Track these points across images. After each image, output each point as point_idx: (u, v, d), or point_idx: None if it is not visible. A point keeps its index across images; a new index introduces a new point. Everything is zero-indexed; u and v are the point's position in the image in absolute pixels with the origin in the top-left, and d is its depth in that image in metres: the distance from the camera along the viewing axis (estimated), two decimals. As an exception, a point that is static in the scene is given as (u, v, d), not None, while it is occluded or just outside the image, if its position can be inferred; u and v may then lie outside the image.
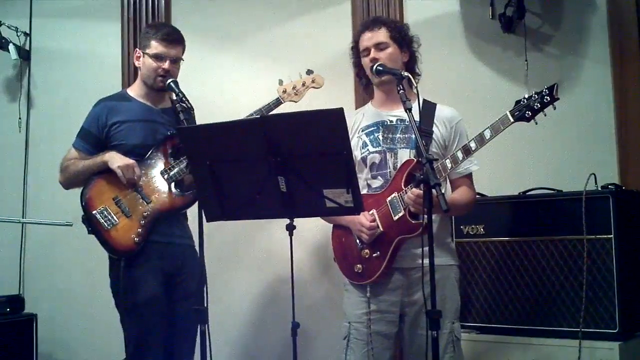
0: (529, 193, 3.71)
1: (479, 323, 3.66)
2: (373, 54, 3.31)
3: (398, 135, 3.31)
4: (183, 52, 3.70)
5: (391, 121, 3.35)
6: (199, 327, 2.90)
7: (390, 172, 3.28)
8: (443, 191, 2.76)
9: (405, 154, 3.27)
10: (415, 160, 3.17)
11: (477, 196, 3.66)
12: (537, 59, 4.33)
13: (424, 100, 3.12)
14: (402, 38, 3.38)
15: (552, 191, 3.66)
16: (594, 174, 3.45)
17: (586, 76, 4.26)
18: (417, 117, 2.95)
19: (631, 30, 4.17)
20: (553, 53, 4.34)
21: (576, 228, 3.37)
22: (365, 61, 3.37)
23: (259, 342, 4.69)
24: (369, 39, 3.36)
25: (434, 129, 3.28)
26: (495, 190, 3.89)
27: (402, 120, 3.33)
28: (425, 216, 3.04)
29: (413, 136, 3.25)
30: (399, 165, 3.26)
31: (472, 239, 3.73)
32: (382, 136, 3.33)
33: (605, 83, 4.21)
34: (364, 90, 3.66)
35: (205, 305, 2.96)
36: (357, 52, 3.46)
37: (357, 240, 3.27)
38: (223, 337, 4.56)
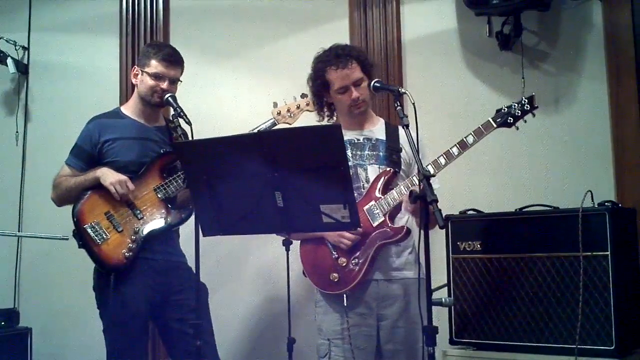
0: (526, 210, 3.71)
1: (475, 339, 3.65)
2: (355, 92, 3.35)
3: (366, 152, 3.41)
4: (182, 73, 3.72)
5: (358, 139, 3.45)
6: (197, 341, 2.92)
7: (362, 184, 3.36)
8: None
9: (374, 169, 3.36)
10: (391, 170, 3.28)
11: (474, 212, 3.68)
12: (533, 76, 4.34)
13: (386, 122, 3.37)
14: (370, 68, 3.44)
15: (548, 208, 3.66)
16: (591, 191, 3.45)
17: (582, 93, 4.28)
18: (383, 137, 3.35)
19: (627, 48, 4.19)
20: (550, 71, 4.36)
21: (572, 245, 3.36)
22: (343, 98, 3.39)
23: (255, 356, 4.67)
24: (346, 76, 3.35)
25: (401, 147, 3.41)
26: (491, 206, 3.89)
27: (368, 139, 3.44)
28: (406, 220, 3.34)
29: (381, 153, 3.39)
30: (370, 179, 3.34)
31: (469, 255, 3.72)
32: (351, 153, 3.40)
33: (601, 100, 4.22)
34: (320, 115, 3.64)
35: (200, 320, 2.98)
36: (321, 84, 3.46)
37: (332, 251, 3.30)
38: (219, 352, 4.54)
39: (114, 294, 3.45)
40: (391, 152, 3.36)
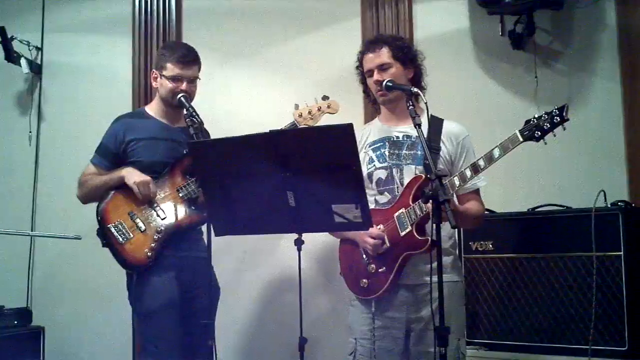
0: (538, 209, 3.70)
1: (488, 340, 3.65)
2: (376, 75, 3.31)
3: (404, 151, 3.31)
4: (199, 71, 3.73)
5: (397, 137, 3.35)
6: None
7: (397, 187, 3.27)
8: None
9: (410, 170, 3.27)
10: (423, 176, 3.17)
11: (486, 212, 3.66)
12: (546, 75, 4.33)
13: (432, 115, 3.11)
14: (405, 55, 3.37)
15: (561, 208, 3.65)
16: (604, 191, 3.44)
17: (596, 93, 4.26)
18: (425, 133, 2.97)
19: (641, 47, 4.18)
20: (563, 70, 4.34)
21: (585, 245, 3.36)
22: (370, 82, 3.39)
23: (267, 356, 4.67)
24: (371, 60, 3.35)
25: (441, 145, 3.28)
26: (504, 206, 3.88)
27: (408, 136, 3.33)
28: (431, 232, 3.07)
29: (419, 152, 3.27)
30: (404, 182, 3.25)
31: (481, 255, 3.72)
32: (389, 152, 3.33)
33: (614, 99, 4.21)
34: (372, 106, 3.67)
35: (214, 319, 2.99)
36: (362, 72, 3.47)
37: (364, 255, 3.26)
38: (230, 350, 4.55)
39: (137, 290, 3.49)
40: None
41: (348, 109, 4.22)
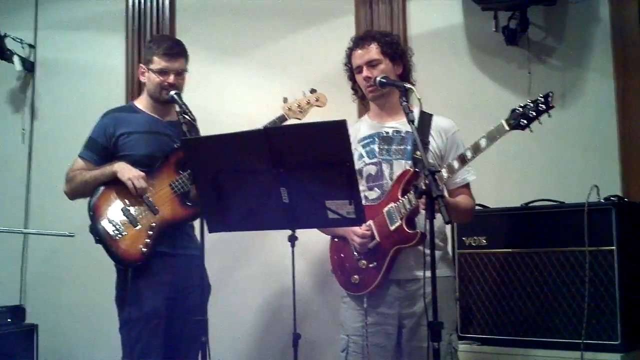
0: (531, 204, 3.71)
1: (481, 334, 3.65)
2: (366, 72, 3.31)
3: (394, 146, 3.31)
4: (187, 63, 3.71)
5: (387, 132, 3.35)
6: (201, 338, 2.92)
7: (387, 182, 3.27)
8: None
9: (400, 165, 3.27)
10: (412, 170, 3.17)
11: (479, 207, 3.66)
12: (540, 71, 4.34)
13: (421, 111, 3.12)
14: (394, 51, 3.36)
15: (554, 203, 3.66)
16: (597, 186, 3.44)
17: (589, 88, 4.26)
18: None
19: (634, 42, 4.17)
20: (556, 65, 4.35)
21: (578, 240, 3.36)
22: (359, 78, 3.38)
23: (261, 352, 4.68)
24: (360, 56, 3.34)
25: (430, 139, 3.27)
26: (497, 201, 3.88)
27: (398, 132, 3.33)
28: (420, 225, 3.09)
29: (409, 147, 3.27)
30: (395, 177, 3.25)
31: (474, 250, 3.72)
32: (378, 147, 3.33)
33: (608, 95, 4.21)
34: (360, 102, 3.66)
35: (206, 316, 2.98)
36: (350, 68, 3.46)
37: (354, 252, 3.26)
38: (224, 348, 4.55)
39: (130, 291, 3.47)
40: (416, 147, 3.14)
41: (341, 105, 4.23)
